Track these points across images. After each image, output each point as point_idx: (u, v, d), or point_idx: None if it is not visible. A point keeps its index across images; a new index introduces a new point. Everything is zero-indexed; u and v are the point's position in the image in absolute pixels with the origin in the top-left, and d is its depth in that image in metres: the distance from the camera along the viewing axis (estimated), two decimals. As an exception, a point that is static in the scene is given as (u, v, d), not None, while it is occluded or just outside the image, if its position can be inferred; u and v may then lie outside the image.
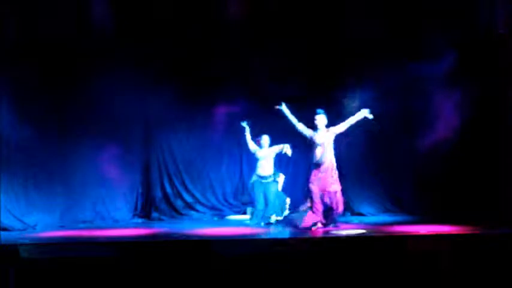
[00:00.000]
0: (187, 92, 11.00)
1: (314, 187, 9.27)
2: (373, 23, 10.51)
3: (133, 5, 10.44)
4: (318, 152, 9.32)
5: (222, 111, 11.04)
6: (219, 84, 10.97)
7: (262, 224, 9.79)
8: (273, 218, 9.82)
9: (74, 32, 10.01)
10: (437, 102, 10.81)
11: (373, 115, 9.29)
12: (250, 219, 10.25)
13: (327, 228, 9.22)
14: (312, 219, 9.27)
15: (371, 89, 10.86)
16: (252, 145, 10.14)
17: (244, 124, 10.15)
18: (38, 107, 9.94)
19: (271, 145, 10.15)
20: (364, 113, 9.24)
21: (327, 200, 9.28)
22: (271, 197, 9.99)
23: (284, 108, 9.45)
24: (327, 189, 9.26)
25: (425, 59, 10.67)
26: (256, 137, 10.20)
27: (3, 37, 9.48)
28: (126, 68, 10.35)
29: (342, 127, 9.34)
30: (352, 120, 9.28)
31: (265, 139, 10.10)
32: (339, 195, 9.34)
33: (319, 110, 9.43)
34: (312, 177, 9.29)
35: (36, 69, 9.85)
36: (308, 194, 9.42)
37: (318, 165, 9.28)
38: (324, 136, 9.33)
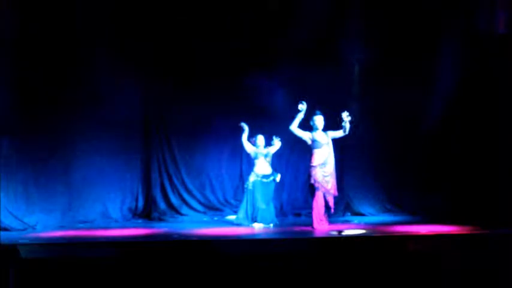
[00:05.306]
0: (188, 91, 11.02)
1: (320, 191, 9.30)
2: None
3: (133, 3, 10.47)
4: (324, 152, 9.34)
5: (222, 111, 11.03)
6: (220, 83, 10.97)
7: (266, 225, 9.75)
8: (262, 226, 9.77)
9: (74, 30, 10.03)
10: (437, 101, 10.86)
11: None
12: (245, 218, 10.06)
13: (327, 228, 9.25)
14: (317, 222, 9.32)
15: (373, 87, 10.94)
16: (248, 146, 10.09)
17: (243, 125, 10.10)
18: (38, 107, 9.93)
19: (266, 145, 10.12)
20: (344, 116, 9.26)
21: (328, 199, 9.38)
22: (271, 197, 9.97)
23: (303, 107, 9.36)
24: (330, 191, 9.35)
25: (429, 57, 10.76)
26: (251, 137, 10.17)
27: (3, 35, 9.48)
28: (126, 67, 10.36)
29: (339, 134, 9.42)
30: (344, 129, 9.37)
31: (260, 139, 10.07)
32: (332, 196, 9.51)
33: (318, 111, 9.47)
34: (318, 179, 9.29)
35: (37, 68, 9.85)
36: (313, 197, 9.43)
37: (323, 165, 9.31)
38: (325, 137, 9.38)
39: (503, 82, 10.08)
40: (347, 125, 9.26)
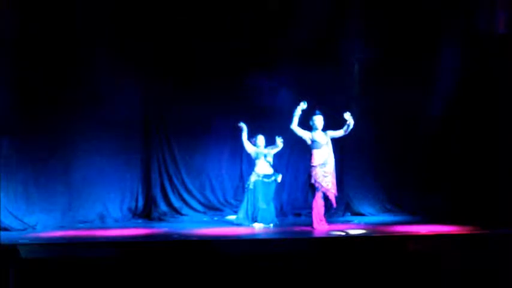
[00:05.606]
0: (188, 91, 11.01)
1: (320, 191, 9.31)
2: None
3: (133, 3, 10.47)
4: (324, 152, 9.35)
5: (222, 111, 11.03)
6: (220, 83, 10.97)
7: (266, 225, 9.75)
8: (262, 226, 9.76)
9: (74, 30, 10.03)
10: (437, 101, 10.87)
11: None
12: (245, 218, 10.04)
13: (327, 228, 9.26)
14: (317, 222, 9.34)
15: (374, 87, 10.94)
16: (249, 146, 10.08)
17: (241, 125, 10.09)
18: (38, 107, 9.92)
19: (266, 146, 10.11)
20: (347, 116, 9.26)
21: (329, 197, 9.40)
22: (271, 197, 9.97)
23: (302, 106, 9.37)
24: (330, 191, 9.35)
25: (429, 57, 10.77)
26: (251, 138, 10.16)
27: (3, 35, 9.48)
28: (126, 67, 10.36)
29: (338, 133, 9.42)
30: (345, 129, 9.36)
31: (260, 139, 10.07)
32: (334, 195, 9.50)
33: (317, 111, 9.48)
34: (318, 179, 9.30)
35: (37, 68, 9.85)
36: (313, 197, 9.44)
37: (323, 166, 9.31)
38: (324, 137, 9.39)
39: (503, 82, 10.09)
40: (350, 126, 9.26)
